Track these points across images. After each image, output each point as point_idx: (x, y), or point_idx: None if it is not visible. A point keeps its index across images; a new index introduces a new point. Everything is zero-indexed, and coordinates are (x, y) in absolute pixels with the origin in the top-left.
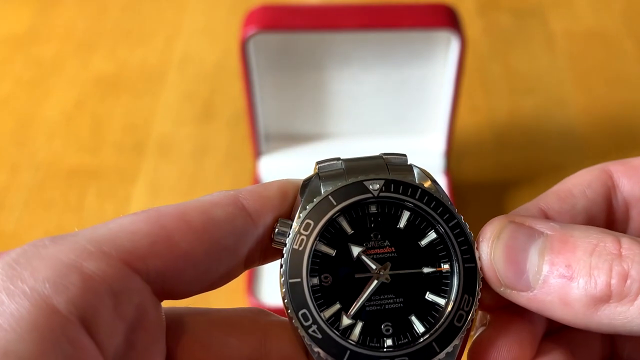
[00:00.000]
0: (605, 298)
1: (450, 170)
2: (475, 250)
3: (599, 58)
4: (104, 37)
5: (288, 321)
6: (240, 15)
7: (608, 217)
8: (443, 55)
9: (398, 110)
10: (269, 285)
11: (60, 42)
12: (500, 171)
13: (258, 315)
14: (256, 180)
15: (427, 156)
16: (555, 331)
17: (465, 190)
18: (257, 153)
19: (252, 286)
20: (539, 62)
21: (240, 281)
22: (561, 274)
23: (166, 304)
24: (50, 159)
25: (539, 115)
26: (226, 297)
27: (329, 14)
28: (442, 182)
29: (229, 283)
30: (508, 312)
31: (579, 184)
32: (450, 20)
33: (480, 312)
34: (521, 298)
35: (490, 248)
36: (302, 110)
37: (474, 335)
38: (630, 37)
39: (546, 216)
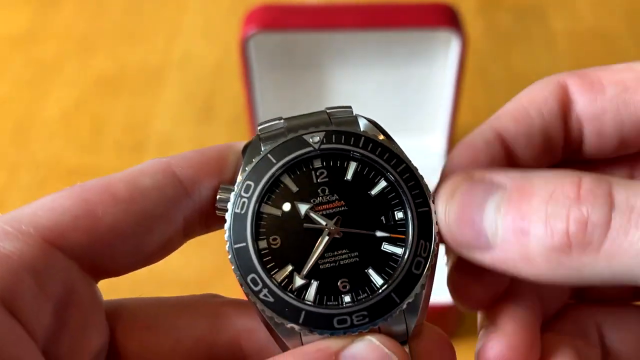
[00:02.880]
0: (565, 249)
1: None
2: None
3: (600, 58)
4: (104, 37)
5: (242, 300)
6: (240, 15)
7: (565, 136)
8: (444, 55)
9: (398, 110)
10: None
11: (60, 42)
12: None
13: (210, 299)
14: None
15: (428, 156)
16: None
17: None
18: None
19: None
20: (540, 61)
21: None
22: (518, 227)
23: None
24: (50, 159)
25: None
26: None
27: (329, 13)
28: None
29: (223, 281)
30: None
31: (535, 102)
32: (450, 19)
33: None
34: (484, 259)
35: (445, 209)
36: (302, 110)
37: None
38: (632, 37)
39: (502, 139)
